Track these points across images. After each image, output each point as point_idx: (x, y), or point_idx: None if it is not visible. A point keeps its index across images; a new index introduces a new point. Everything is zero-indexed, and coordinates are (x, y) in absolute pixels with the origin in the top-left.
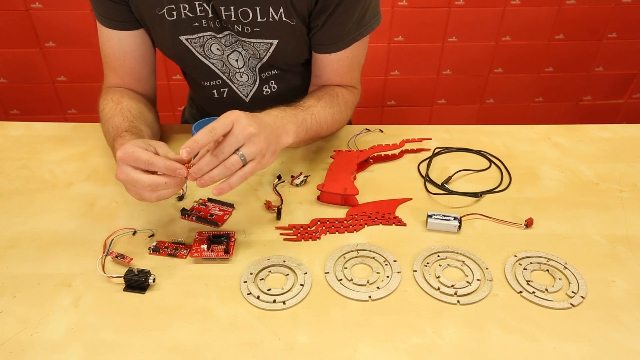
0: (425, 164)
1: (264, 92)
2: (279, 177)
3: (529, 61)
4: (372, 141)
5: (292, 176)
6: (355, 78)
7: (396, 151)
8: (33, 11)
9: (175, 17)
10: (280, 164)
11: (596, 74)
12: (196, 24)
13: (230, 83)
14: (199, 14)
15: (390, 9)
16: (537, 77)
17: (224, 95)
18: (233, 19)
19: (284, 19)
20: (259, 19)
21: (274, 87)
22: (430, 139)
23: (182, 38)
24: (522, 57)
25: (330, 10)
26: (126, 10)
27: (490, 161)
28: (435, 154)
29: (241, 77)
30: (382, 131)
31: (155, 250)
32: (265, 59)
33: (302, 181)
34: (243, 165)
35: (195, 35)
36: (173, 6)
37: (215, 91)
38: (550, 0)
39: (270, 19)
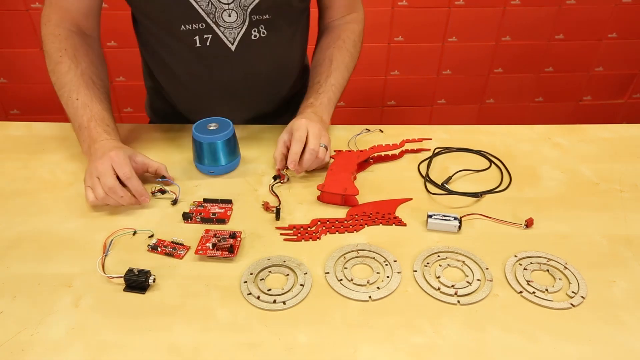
0: (425, 164)
1: (252, 36)
2: (275, 178)
3: (529, 61)
4: (372, 141)
5: (276, 176)
6: (359, 1)
7: (396, 151)
8: (33, 11)
9: None
10: None
11: (596, 74)
12: None
13: (214, 27)
14: None
15: (390, 9)
16: (537, 77)
17: (207, 44)
18: None
19: None
20: None
21: (263, 32)
22: (431, 139)
23: None
24: (522, 57)
25: None
26: None
27: (490, 161)
28: (435, 154)
29: (229, 15)
30: (382, 131)
31: (154, 248)
32: None
33: (287, 178)
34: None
35: None
36: None
37: (197, 38)
38: (550, 0)
39: None
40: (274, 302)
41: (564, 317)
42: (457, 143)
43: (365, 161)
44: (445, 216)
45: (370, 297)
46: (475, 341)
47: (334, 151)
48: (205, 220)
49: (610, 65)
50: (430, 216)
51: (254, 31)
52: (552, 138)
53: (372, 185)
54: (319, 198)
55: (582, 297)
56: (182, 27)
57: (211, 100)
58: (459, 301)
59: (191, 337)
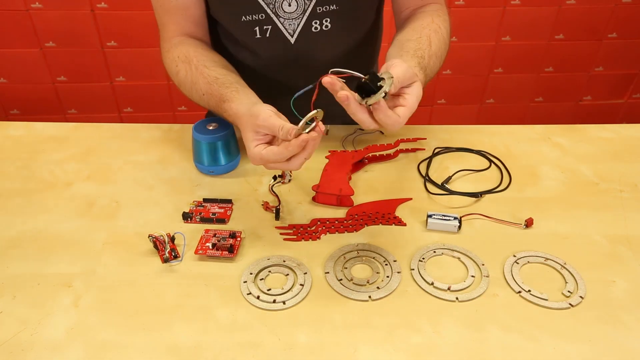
0: (425, 164)
1: (313, 29)
2: (275, 178)
3: (529, 61)
4: (367, 141)
5: (276, 176)
6: None
7: (391, 151)
8: (33, 11)
9: None
10: None
11: (596, 74)
12: None
13: (274, 17)
14: None
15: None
16: (537, 77)
17: (267, 35)
18: None
19: None
20: None
21: (326, 26)
22: (425, 138)
23: None
24: (522, 57)
25: None
26: None
27: (490, 161)
28: (435, 154)
29: (289, 5)
30: (382, 132)
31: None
32: None
33: (289, 179)
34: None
35: None
36: None
37: (257, 29)
38: (550, 0)
39: None
40: (274, 302)
41: (563, 317)
42: (457, 143)
43: (360, 161)
44: (445, 216)
45: (370, 297)
46: (474, 341)
47: (329, 151)
48: (205, 220)
49: (610, 65)
50: (430, 216)
51: (315, 23)
52: (552, 138)
53: (372, 186)
54: (314, 199)
55: (580, 297)
56: (243, 17)
57: (274, 93)
58: (457, 298)
59: (191, 337)
